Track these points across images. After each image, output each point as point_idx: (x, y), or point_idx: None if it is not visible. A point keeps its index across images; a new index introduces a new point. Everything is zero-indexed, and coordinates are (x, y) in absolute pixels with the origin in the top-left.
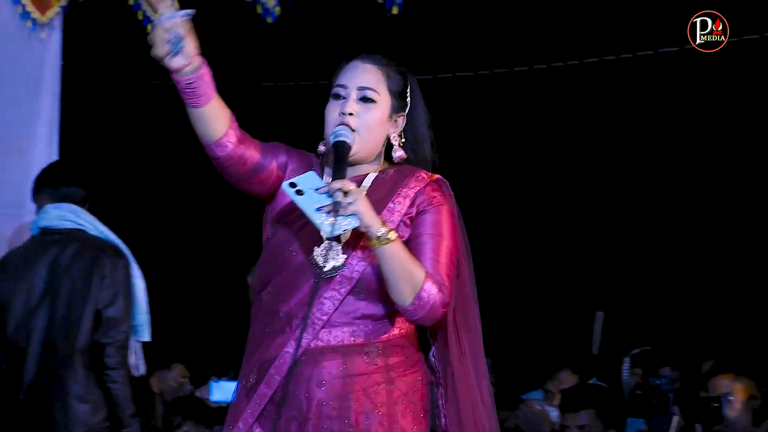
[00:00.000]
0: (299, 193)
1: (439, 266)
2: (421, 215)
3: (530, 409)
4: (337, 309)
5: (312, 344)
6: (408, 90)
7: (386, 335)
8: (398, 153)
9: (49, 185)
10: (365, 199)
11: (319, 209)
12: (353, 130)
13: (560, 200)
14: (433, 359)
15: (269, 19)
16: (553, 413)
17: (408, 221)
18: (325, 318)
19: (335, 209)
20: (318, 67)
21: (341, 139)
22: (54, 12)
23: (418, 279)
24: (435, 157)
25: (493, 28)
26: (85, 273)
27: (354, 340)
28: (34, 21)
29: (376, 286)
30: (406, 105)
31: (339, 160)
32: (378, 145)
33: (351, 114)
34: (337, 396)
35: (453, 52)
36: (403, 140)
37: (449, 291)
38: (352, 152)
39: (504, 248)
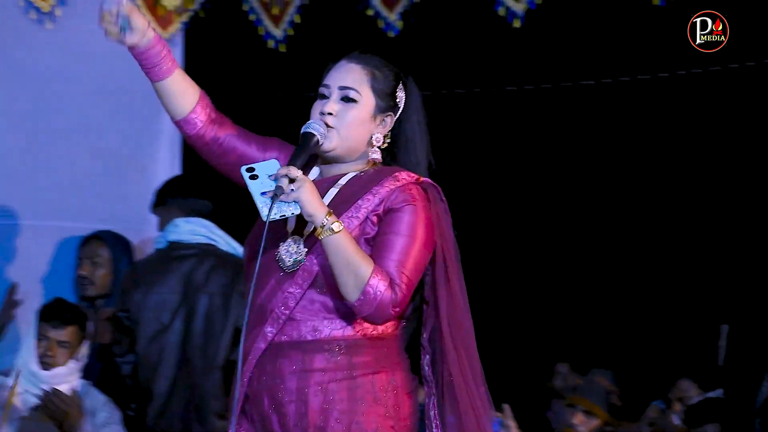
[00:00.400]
0: (254, 177)
1: (400, 267)
2: (391, 213)
3: (657, 415)
4: (298, 303)
5: (276, 339)
6: (398, 91)
7: (351, 333)
8: (374, 155)
9: (177, 197)
10: (311, 188)
11: (263, 193)
12: (331, 128)
13: (686, 213)
14: (426, 368)
15: (391, 33)
16: (676, 421)
17: (375, 219)
18: (287, 312)
19: (276, 194)
20: (436, 80)
21: (309, 130)
22: (175, 28)
23: (363, 273)
24: (430, 161)
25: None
26: (223, 289)
27: (315, 336)
28: None
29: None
30: (396, 106)
31: (298, 148)
32: (359, 144)
33: (330, 114)
34: (292, 391)
35: (576, 63)
36: (389, 141)
37: (404, 293)
38: (328, 149)
39: (628, 263)
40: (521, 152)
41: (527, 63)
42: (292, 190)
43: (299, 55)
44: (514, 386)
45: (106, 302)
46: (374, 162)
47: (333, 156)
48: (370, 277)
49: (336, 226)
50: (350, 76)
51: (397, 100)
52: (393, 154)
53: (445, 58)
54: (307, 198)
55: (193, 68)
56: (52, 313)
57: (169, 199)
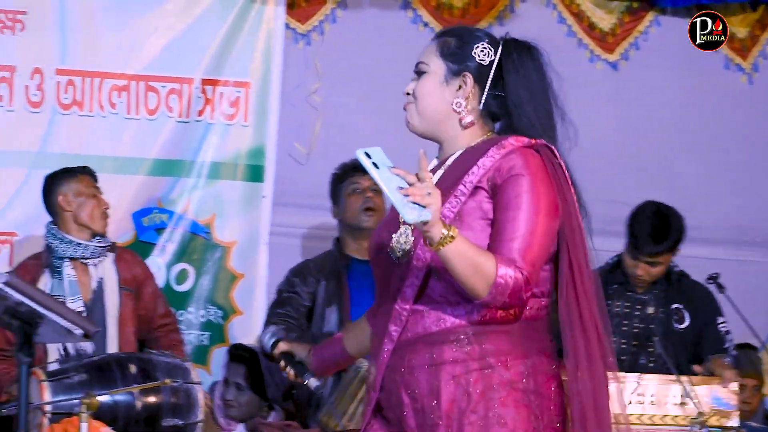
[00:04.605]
0: (375, 165)
1: (520, 247)
2: (501, 188)
3: None
4: (417, 296)
5: (402, 336)
6: (476, 48)
7: (478, 317)
8: (465, 120)
9: None
10: (438, 194)
11: (400, 188)
12: (410, 105)
13: None
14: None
15: None
16: None
17: (486, 193)
18: (407, 307)
19: (414, 195)
20: None
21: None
22: None
23: (489, 269)
24: (551, 121)
25: None
26: None
27: (440, 326)
28: None
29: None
30: (478, 66)
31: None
32: (438, 115)
33: (408, 93)
34: (425, 385)
35: None
36: (479, 106)
37: (528, 273)
38: (411, 128)
39: None
40: None
41: None
42: (428, 193)
43: None
44: None
45: None
46: (488, 132)
47: (422, 133)
48: (497, 269)
49: (454, 231)
50: (424, 52)
51: (478, 59)
52: (510, 122)
53: None
54: (439, 206)
55: None
56: None
57: None
